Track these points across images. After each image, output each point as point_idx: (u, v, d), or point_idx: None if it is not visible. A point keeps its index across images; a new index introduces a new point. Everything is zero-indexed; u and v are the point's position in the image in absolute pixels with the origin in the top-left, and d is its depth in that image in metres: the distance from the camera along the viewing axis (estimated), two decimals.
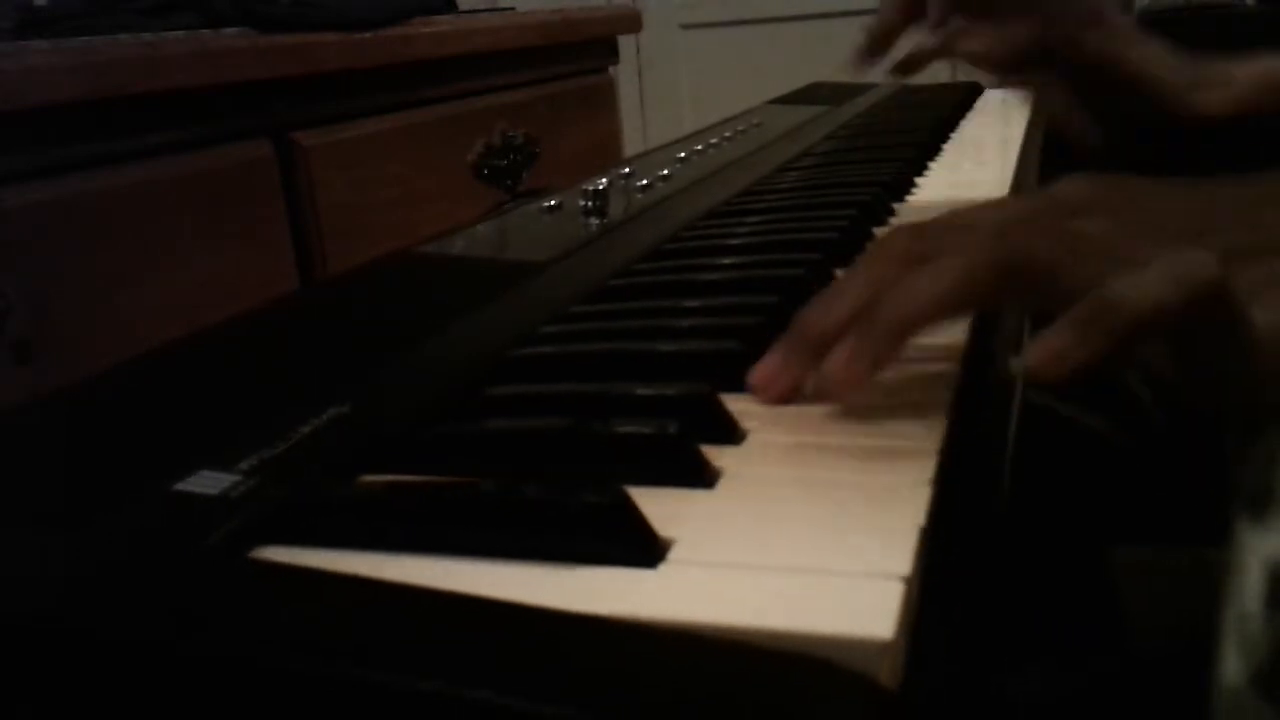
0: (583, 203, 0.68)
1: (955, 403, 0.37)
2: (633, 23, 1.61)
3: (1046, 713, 0.47)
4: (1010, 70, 0.70)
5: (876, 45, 0.69)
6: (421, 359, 0.43)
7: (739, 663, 0.22)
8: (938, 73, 0.95)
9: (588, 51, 1.47)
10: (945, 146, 0.94)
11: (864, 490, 0.31)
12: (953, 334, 0.43)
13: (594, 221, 0.66)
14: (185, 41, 0.89)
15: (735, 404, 0.36)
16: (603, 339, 0.45)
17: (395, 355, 0.43)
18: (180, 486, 0.30)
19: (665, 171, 0.79)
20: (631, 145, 1.88)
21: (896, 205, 0.70)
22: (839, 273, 0.50)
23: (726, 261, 0.55)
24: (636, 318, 0.47)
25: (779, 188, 0.76)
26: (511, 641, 0.23)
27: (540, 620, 0.24)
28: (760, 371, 0.38)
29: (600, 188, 0.69)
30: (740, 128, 1.04)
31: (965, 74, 1.26)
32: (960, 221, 0.40)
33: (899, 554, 0.26)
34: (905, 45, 0.71)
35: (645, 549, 0.27)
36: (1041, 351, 0.33)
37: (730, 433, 0.35)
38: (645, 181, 0.76)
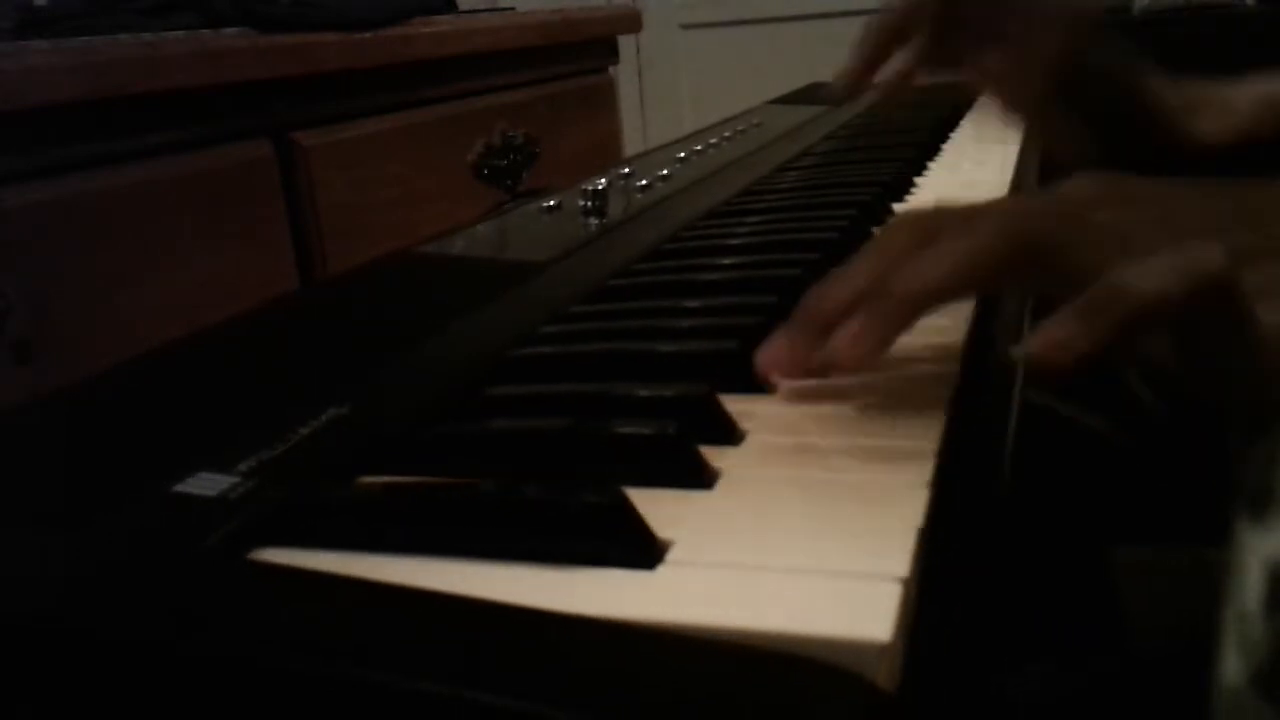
0: (582, 203, 0.68)
1: (954, 403, 0.37)
2: (633, 23, 1.61)
3: (1046, 713, 0.47)
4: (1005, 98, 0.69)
5: (861, 75, 0.68)
6: (421, 359, 0.43)
7: (737, 664, 0.22)
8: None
9: (588, 51, 1.47)
10: (945, 146, 0.94)
11: (862, 491, 0.31)
12: (952, 334, 0.43)
13: (594, 221, 0.66)
14: (185, 41, 0.89)
15: (734, 404, 0.36)
16: (602, 339, 0.45)
17: (394, 356, 0.43)
18: (179, 488, 0.30)
19: (665, 171, 0.79)
20: (631, 145, 1.88)
21: (896, 205, 0.70)
22: None
23: (726, 261, 0.55)
24: (636, 318, 0.47)
25: (779, 188, 0.76)
26: (511, 642, 0.23)
27: (539, 621, 0.24)
28: (766, 351, 0.38)
29: (600, 188, 0.69)
30: (740, 128, 1.04)
31: None
32: (969, 208, 0.40)
33: (897, 556, 0.26)
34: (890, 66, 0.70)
35: (644, 550, 0.27)
36: (1044, 340, 0.33)
37: (729, 433, 0.35)
38: (645, 181, 0.76)
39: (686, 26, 2.78)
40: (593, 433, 0.34)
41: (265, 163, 0.93)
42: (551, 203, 0.70)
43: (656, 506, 0.29)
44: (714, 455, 0.33)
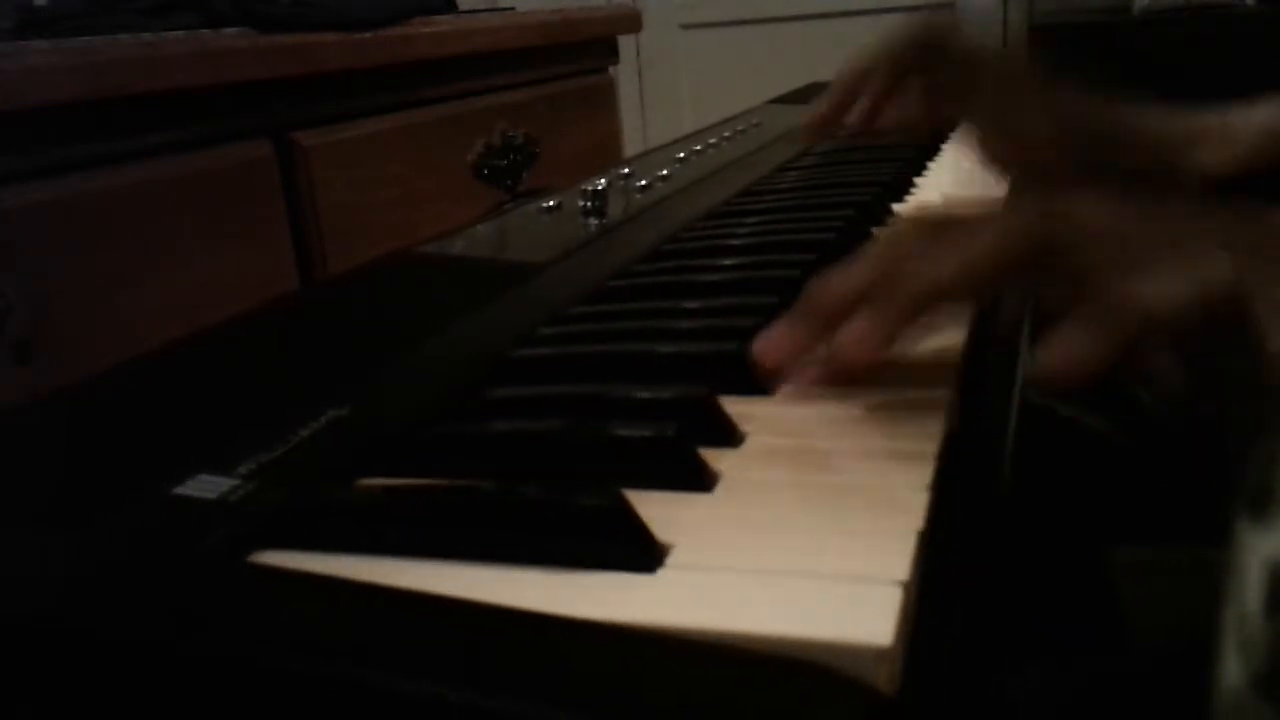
0: (582, 203, 0.68)
1: (954, 405, 0.37)
2: (633, 23, 1.61)
3: (1046, 713, 0.47)
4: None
5: (828, 121, 0.66)
6: (420, 360, 0.43)
7: (738, 668, 0.22)
8: None
9: (588, 51, 1.47)
10: (945, 146, 0.94)
11: (863, 494, 0.31)
12: (952, 335, 0.43)
13: (593, 222, 0.66)
14: (185, 41, 0.89)
15: (734, 406, 0.36)
16: (602, 340, 0.45)
17: (394, 356, 0.43)
18: (179, 490, 0.30)
19: (665, 172, 0.79)
20: (631, 145, 1.88)
21: (896, 205, 0.70)
22: None
23: (726, 262, 0.55)
24: (635, 319, 0.47)
25: (778, 188, 0.76)
26: (511, 645, 0.23)
27: (540, 624, 0.24)
28: (765, 339, 0.38)
29: (600, 188, 0.69)
30: (740, 128, 1.04)
31: None
32: (976, 210, 0.40)
33: (897, 559, 0.26)
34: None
35: (644, 553, 0.27)
36: (1055, 354, 0.33)
37: (729, 435, 0.35)
38: (645, 182, 0.76)
39: (686, 26, 2.78)
40: (592, 435, 0.34)
41: (265, 163, 0.93)
42: (551, 203, 0.70)
43: (656, 509, 0.29)
44: (714, 457, 0.33)
